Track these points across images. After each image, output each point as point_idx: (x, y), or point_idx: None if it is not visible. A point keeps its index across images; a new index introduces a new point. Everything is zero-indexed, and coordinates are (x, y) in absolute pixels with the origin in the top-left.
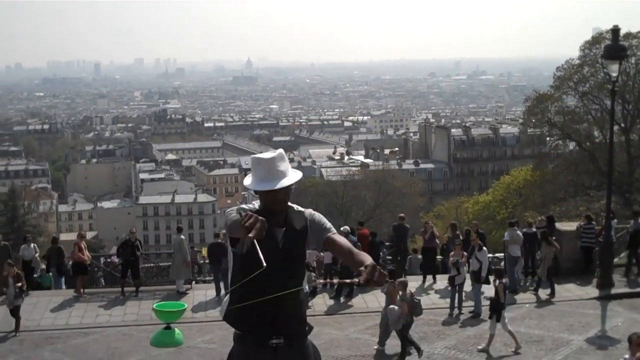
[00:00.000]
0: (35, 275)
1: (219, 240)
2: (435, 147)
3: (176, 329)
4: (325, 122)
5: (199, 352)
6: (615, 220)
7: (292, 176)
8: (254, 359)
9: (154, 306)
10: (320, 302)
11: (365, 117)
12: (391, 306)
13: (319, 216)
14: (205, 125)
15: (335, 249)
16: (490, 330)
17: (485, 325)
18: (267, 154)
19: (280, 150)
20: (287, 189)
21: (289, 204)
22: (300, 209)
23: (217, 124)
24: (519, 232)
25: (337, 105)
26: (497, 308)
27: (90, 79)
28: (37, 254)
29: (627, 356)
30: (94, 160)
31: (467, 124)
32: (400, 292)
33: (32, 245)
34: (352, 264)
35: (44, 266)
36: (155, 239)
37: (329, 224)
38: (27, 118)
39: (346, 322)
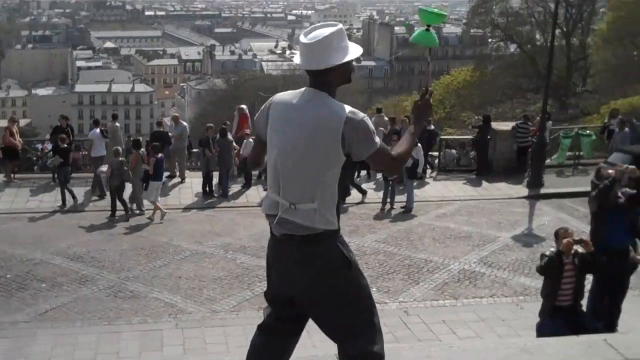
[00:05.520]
0: None
1: (161, 129)
2: (377, 45)
3: (433, 32)
4: (269, 15)
5: (129, 240)
6: (550, 122)
7: None
8: None
9: (420, 7)
10: (254, 194)
11: (309, 12)
12: (101, 167)
13: None
14: (146, 13)
15: None
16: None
17: (415, 220)
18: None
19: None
20: None
21: None
22: None
23: (158, 13)
24: (385, 117)
25: None
26: None
27: None
28: None
29: (552, 249)
30: (30, 45)
31: (410, 22)
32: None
33: None
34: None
35: None
36: (90, 128)
37: None
38: None
39: None
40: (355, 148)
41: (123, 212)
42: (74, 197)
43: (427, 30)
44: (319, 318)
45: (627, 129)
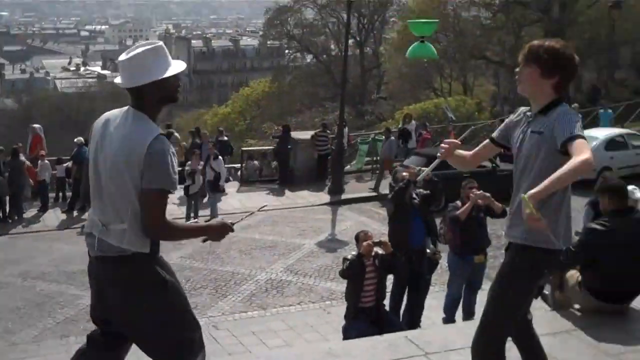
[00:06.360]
0: None
1: None
2: (175, 59)
3: (428, 43)
4: (61, 31)
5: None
6: (347, 129)
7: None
8: None
9: (408, 21)
10: (52, 217)
11: (103, 27)
12: None
13: None
14: None
15: None
16: None
17: None
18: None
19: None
20: None
21: None
22: None
23: None
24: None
25: (73, 13)
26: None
27: None
28: None
29: (354, 252)
30: None
31: (207, 36)
32: None
33: None
34: None
35: None
36: None
37: None
38: None
39: (78, 236)
40: (145, 175)
41: None
42: None
43: (422, 42)
44: (137, 340)
45: (392, 138)
